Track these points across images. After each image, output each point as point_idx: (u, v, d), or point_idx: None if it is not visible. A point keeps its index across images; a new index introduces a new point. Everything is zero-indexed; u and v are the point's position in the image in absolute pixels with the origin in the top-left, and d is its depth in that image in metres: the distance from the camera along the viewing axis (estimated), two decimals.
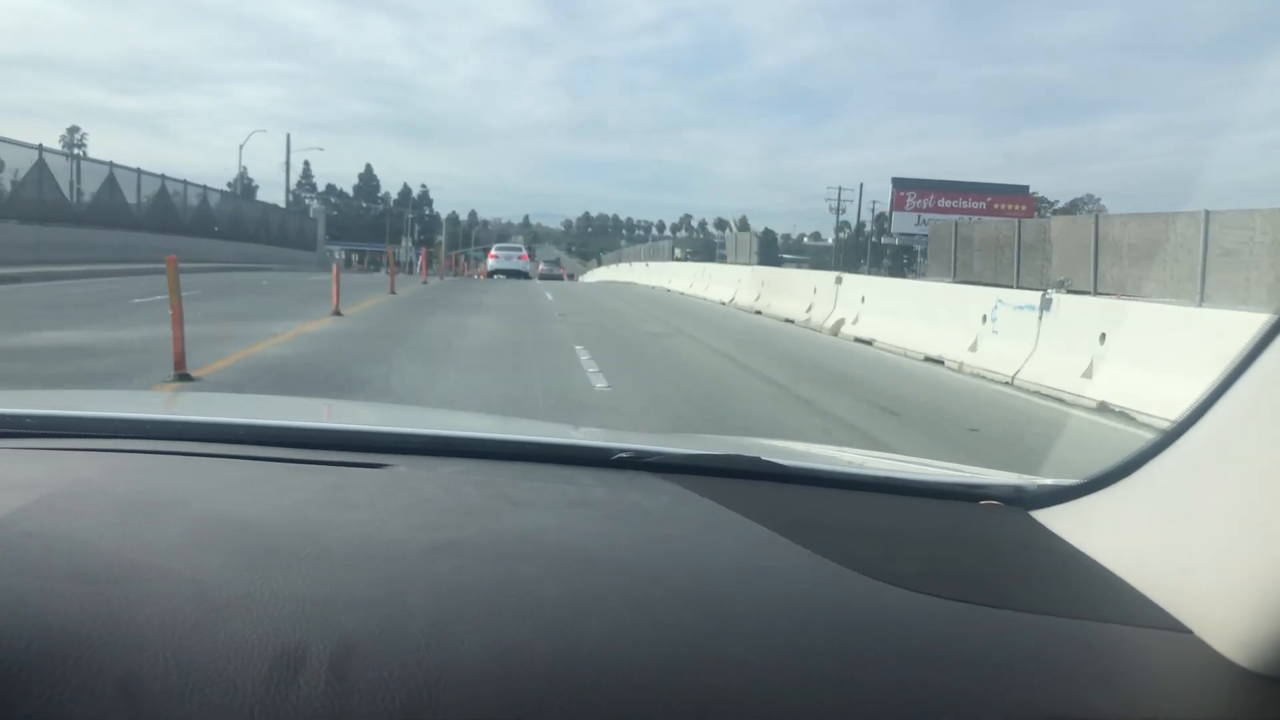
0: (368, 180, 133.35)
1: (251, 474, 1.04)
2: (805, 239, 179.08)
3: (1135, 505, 0.83)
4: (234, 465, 1.06)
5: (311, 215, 56.10)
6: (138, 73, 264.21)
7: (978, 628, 0.73)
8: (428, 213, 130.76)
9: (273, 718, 0.59)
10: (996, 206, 50.65)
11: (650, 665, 0.65)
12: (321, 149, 55.47)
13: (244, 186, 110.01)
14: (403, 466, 1.08)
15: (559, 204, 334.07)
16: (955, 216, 50.57)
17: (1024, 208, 51.02)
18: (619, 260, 48.96)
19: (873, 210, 75.28)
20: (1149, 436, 0.85)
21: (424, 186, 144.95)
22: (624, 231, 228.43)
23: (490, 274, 38.03)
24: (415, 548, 0.81)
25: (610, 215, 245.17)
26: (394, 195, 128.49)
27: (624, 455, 1.13)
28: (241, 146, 46.00)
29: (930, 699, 0.64)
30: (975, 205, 50.73)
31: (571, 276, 67.30)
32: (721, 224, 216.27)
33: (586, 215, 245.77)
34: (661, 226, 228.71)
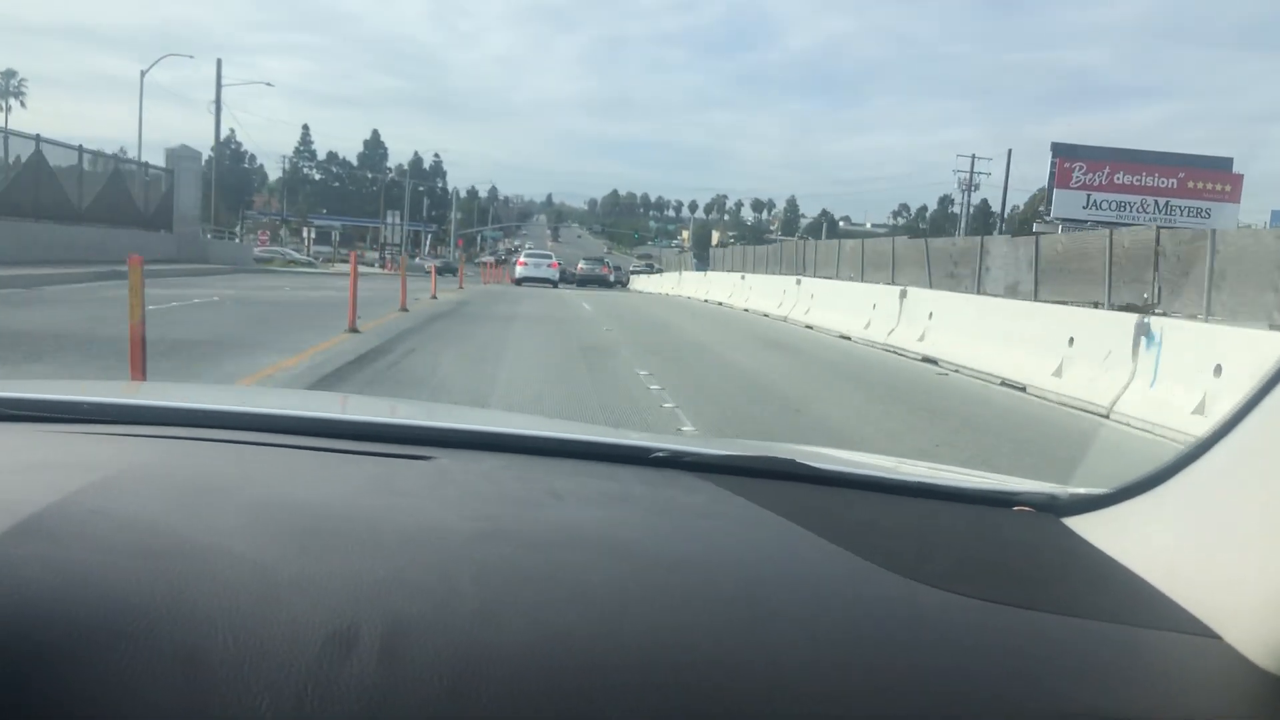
0: (374, 148, 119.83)
1: (303, 463, 1.07)
2: (841, 224, 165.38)
3: (1168, 512, 0.84)
4: (286, 454, 1.09)
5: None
6: (167, 44, 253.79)
7: (1011, 628, 0.74)
8: (441, 186, 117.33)
9: (326, 692, 0.61)
10: (1191, 185, 36.64)
11: (692, 656, 0.67)
12: (270, 84, 44.72)
13: (231, 153, 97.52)
14: (446, 459, 1.09)
15: (583, 182, 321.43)
16: (1136, 198, 36.57)
17: (1227, 187, 36.92)
18: (727, 265, 34.15)
19: (971, 184, 61.48)
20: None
21: (436, 157, 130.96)
22: (652, 212, 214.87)
23: (518, 281, 36.66)
24: (462, 534, 0.83)
25: (639, 194, 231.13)
26: (405, 167, 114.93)
27: (661, 455, 1.15)
28: (144, 74, 32.48)
29: (965, 697, 0.66)
30: (1165, 183, 36.71)
31: (618, 270, 53.75)
32: (759, 205, 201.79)
33: (614, 194, 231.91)
34: (695, 206, 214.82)
